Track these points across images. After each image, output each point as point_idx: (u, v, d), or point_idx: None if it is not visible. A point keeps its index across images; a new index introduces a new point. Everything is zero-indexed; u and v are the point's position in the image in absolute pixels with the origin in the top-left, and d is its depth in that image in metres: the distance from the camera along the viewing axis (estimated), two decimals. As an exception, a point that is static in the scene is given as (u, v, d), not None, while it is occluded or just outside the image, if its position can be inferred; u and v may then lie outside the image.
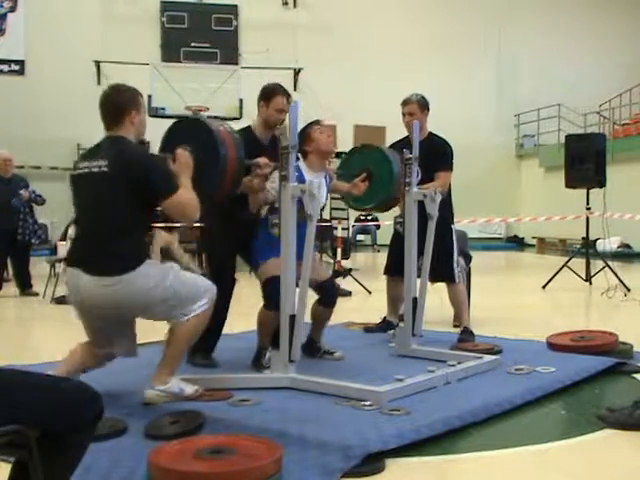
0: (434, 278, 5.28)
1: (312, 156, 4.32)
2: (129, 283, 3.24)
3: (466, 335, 5.14)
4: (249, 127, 4.47)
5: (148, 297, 3.29)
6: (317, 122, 4.46)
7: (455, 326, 5.78)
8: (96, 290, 3.25)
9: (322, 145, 4.34)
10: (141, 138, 3.54)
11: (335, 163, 5.26)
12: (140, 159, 3.33)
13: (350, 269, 9.15)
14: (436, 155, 4.99)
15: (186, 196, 3.31)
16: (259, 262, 4.23)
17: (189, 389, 3.45)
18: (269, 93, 4.36)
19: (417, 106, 5.15)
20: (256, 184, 4.00)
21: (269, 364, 3.92)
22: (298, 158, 4.31)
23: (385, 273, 5.54)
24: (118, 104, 3.40)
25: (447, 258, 5.25)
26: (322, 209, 4.61)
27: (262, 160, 3.92)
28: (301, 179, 4.05)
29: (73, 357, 3.51)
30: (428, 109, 5.20)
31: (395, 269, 5.33)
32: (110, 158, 3.27)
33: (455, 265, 5.32)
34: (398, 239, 5.12)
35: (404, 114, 5.19)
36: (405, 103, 5.21)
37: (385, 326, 5.42)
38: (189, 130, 3.70)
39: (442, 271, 5.21)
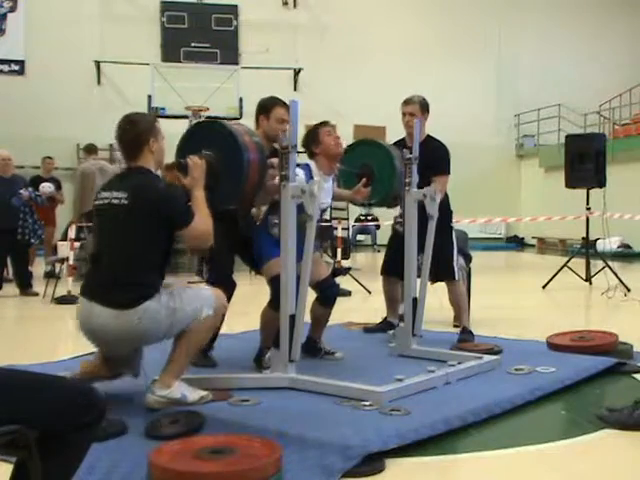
0: (435, 278, 5.28)
1: (320, 158, 4.33)
2: (143, 316, 3.24)
3: (466, 335, 5.13)
4: None
5: (160, 326, 3.30)
6: (326, 123, 4.44)
7: (455, 326, 5.78)
8: (110, 322, 3.25)
9: (330, 148, 4.33)
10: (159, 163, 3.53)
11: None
12: (158, 193, 3.33)
13: (349, 268, 9.15)
14: (434, 159, 4.94)
15: (200, 226, 3.35)
16: (263, 259, 4.20)
17: (193, 395, 3.40)
18: (268, 105, 4.34)
19: (418, 107, 5.13)
20: (270, 184, 3.97)
21: (269, 364, 3.92)
22: (311, 158, 4.31)
23: (381, 273, 5.53)
24: (135, 136, 3.39)
25: (447, 257, 5.23)
26: (326, 210, 4.56)
27: (276, 160, 3.90)
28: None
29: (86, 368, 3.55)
30: (428, 111, 5.17)
31: (391, 269, 5.33)
32: (130, 191, 3.30)
33: (455, 263, 5.31)
34: (396, 239, 5.12)
35: (404, 114, 5.16)
36: (406, 103, 5.18)
37: (385, 326, 5.42)
38: (209, 133, 3.70)
39: (442, 270, 5.20)
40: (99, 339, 3.37)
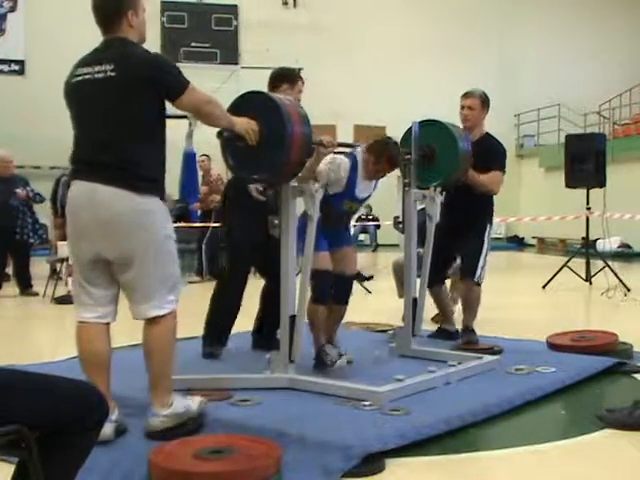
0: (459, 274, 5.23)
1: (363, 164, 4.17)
2: (147, 208, 2.95)
3: (469, 335, 4.93)
4: None
5: (153, 237, 2.97)
6: (383, 146, 4.18)
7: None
8: (115, 200, 2.90)
9: (367, 171, 4.16)
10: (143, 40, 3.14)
11: None
12: (148, 57, 3.04)
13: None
14: (488, 155, 4.83)
15: (201, 92, 3.08)
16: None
17: (193, 403, 3.14)
18: (294, 76, 4.38)
19: (479, 101, 4.94)
20: (317, 164, 3.82)
21: (333, 359, 3.94)
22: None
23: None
24: (111, 5, 3.11)
25: (475, 254, 4.93)
26: (365, 201, 4.35)
27: (327, 138, 3.74)
28: (351, 185, 4.07)
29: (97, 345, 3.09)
30: (488, 108, 4.98)
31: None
32: (116, 61, 2.98)
33: (480, 263, 4.91)
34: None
35: (462, 106, 4.95)
36: (466, 95, 4.98)
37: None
38: (254, 104, 3.57)
39: (466, 266, 5.03)
40: (96, 224, 2.94)
